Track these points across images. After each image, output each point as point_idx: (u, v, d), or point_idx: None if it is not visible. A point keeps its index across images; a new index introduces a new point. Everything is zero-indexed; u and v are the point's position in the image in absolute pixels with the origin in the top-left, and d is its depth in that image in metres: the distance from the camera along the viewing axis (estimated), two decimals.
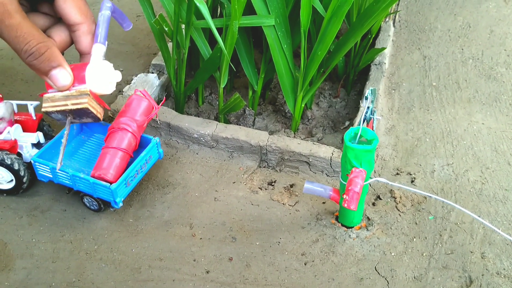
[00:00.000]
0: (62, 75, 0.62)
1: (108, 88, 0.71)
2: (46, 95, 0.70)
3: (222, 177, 1.32)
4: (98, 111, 0.71)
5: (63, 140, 0.69)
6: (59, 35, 0.64)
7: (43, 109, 0.72)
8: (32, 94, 1.61)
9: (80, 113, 0.70)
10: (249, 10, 1.30)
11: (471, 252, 1.12)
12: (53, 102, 0.70)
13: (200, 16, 1.33)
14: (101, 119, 0.73)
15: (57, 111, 0.70)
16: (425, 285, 1.06)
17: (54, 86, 0.64)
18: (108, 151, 1.12)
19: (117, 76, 0.72)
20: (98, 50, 0.67)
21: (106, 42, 0.67)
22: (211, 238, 1.16)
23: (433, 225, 1.18)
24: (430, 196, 1.22)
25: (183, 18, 1.29)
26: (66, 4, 0.59)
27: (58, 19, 0.63)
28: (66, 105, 0.69)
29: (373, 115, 1.09)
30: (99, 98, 0.71)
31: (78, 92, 0.68)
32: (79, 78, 0.67)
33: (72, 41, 0.65)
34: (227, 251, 1.13)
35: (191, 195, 1.27)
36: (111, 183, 1.09)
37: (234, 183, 1.30)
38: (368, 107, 1.05)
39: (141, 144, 1.23)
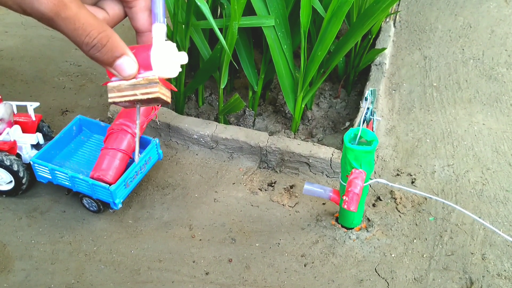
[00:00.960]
0: (127, 64, 0.58)
1: (174, 71, 0.67)
2: (110, 85, 0.65)
3: (221, 178, 1.31)
4: (167, 95, 0.69)
5: (137, 131, 0.67)
6: (112, 8, 0.59)
7: (110, 100, 0.69)
8: (32, 95, 1.60)
9: (149, 100, 0.67)
10: (249, 10, 1.30)
11: (472, 253, 1.11)
12: (120, 92, 0.67)
13: (199, 16, 1.32)
14: (169, 102, 0.71)
15: (126, 101, 0.67)
16: (426, 286, 1.05)
17: (118, 76, 0.60)
18: (107, 152, 1.12)
19: (183, 57, 0.68)
20: (159, 30, 0.62)
21: (165, 20, 0.64)
22: (211, 240, 1.15)
23: (434, 226, 1.18)
24: (431, 197, 1.22)
25: (182, 18, 1.29)
26: None
27: None
28: (135, 94, 0.64)
29: (373, 116, 1.08)
30: (165, 81, 0.69)
31: (146, 81, 0.65)
32: (143, 62, 0.62)
33: (125, 14, 0.61)
34: (226, 252, 1.12)
35: (190, 196, 1.26)
36: (110, 184, 1.09)
37: (233, 184, 1.30)
38: (368, 108, 1.04)
39: (141, 145, 1.23)
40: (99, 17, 0.58)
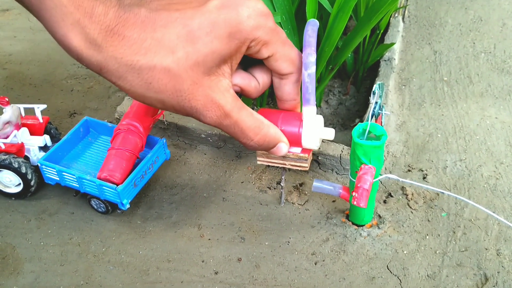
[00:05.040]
0: (280, 149, 0.64)
1: (318, 144, 0.70)
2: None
3: (230, 177, 1.30)
4: (310, 161, 0.75)
5: (282, 183, 0.74)
6: (262, 77, 0.62)
7: (258, 162, 0.75)
8: (41, 98, 1.61)
9: (296, 170, 0.76)
10: None
11: (486, 249, 1.09)
12: (268, 159, 0.74)
13: None
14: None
15: (272, 166, 0.75)
16: (439, 283, 1.03)
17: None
18: (114, 152, 1.12)
19: (330, 133, 0.70)
20: (311, 112, 0.66)
21: (315, 101, 0.65)
22: (220, 239, 1.14)
23: (446, 222, 1.15)
24: (443, 193, 1.20)
25: None
26: (277, 62, 0.59)
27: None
28: (284, 164, 0.73)
29: (382, 110, 1.06)
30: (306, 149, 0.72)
31: (296, 156, 0.70)
32: (292, 139, 0.67)
33: (271, 82, 0.64)
34: (236, 251, 1.11)
35: (199, 195, 1.25)
36: (117, 184, 1.09)
37: (242, 183, 1.28)
38: (376, 102, 1.03)
39: (148, 145, 1.22)
40: (252, 87, 0.61)
